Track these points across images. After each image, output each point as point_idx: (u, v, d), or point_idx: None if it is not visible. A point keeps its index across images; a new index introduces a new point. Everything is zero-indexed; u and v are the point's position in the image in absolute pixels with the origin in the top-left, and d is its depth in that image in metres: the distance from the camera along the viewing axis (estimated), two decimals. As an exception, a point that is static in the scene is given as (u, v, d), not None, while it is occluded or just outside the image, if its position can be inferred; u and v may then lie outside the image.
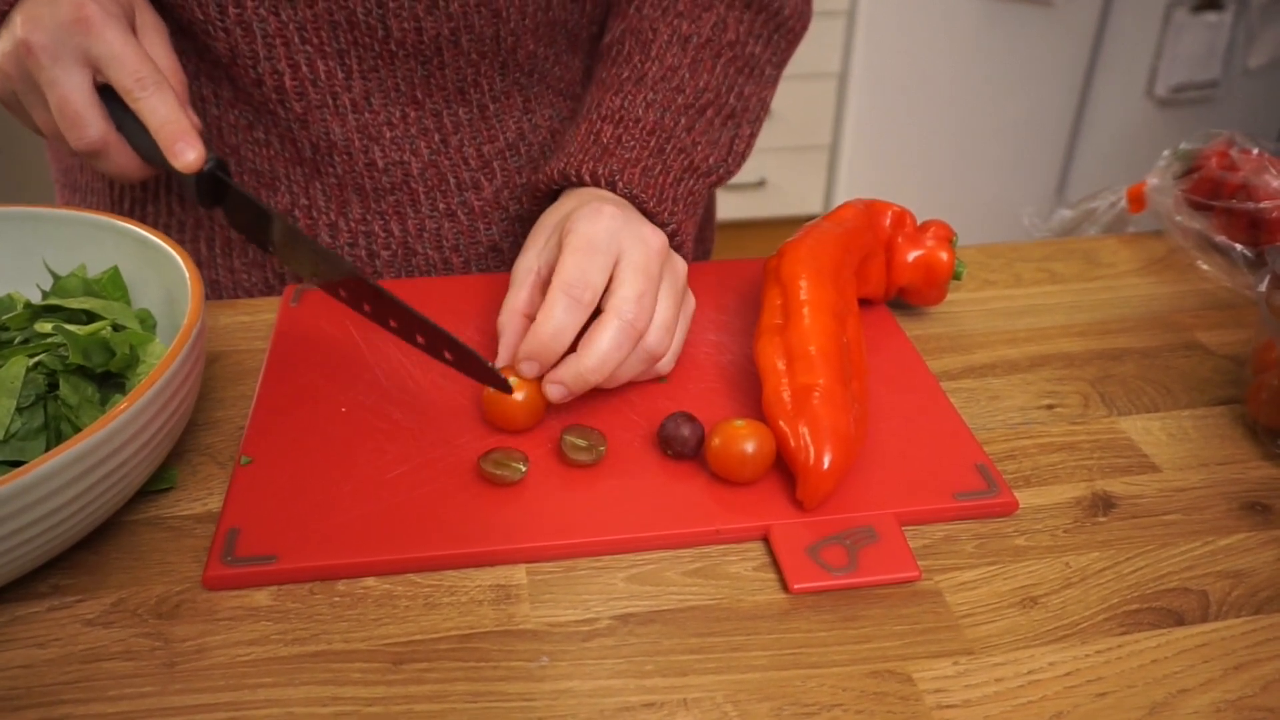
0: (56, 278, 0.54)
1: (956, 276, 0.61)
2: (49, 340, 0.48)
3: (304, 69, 0.60)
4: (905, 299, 0.63)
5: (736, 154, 0.64)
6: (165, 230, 0.67)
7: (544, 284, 0.54)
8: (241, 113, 0.63)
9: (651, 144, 0.58)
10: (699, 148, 0.61)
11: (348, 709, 0.39)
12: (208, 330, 0.60)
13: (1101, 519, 0.49)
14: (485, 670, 0.40)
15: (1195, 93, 2.29)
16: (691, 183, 0.60)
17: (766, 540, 0.47)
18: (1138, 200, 0.73)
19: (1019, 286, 0.68)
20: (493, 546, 0.45)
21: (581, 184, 0.57)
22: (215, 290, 0.68)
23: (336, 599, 0.43)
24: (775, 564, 0.45)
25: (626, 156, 0.57)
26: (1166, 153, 0.72)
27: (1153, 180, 0.72)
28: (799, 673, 0.41)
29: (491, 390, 0.50)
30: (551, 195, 0.60)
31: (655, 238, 0.53)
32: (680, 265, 0.55)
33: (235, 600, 0.43)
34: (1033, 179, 2.38)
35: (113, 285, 0.53)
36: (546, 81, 0.67)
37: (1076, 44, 2.21)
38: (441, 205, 0.67)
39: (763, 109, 0.66)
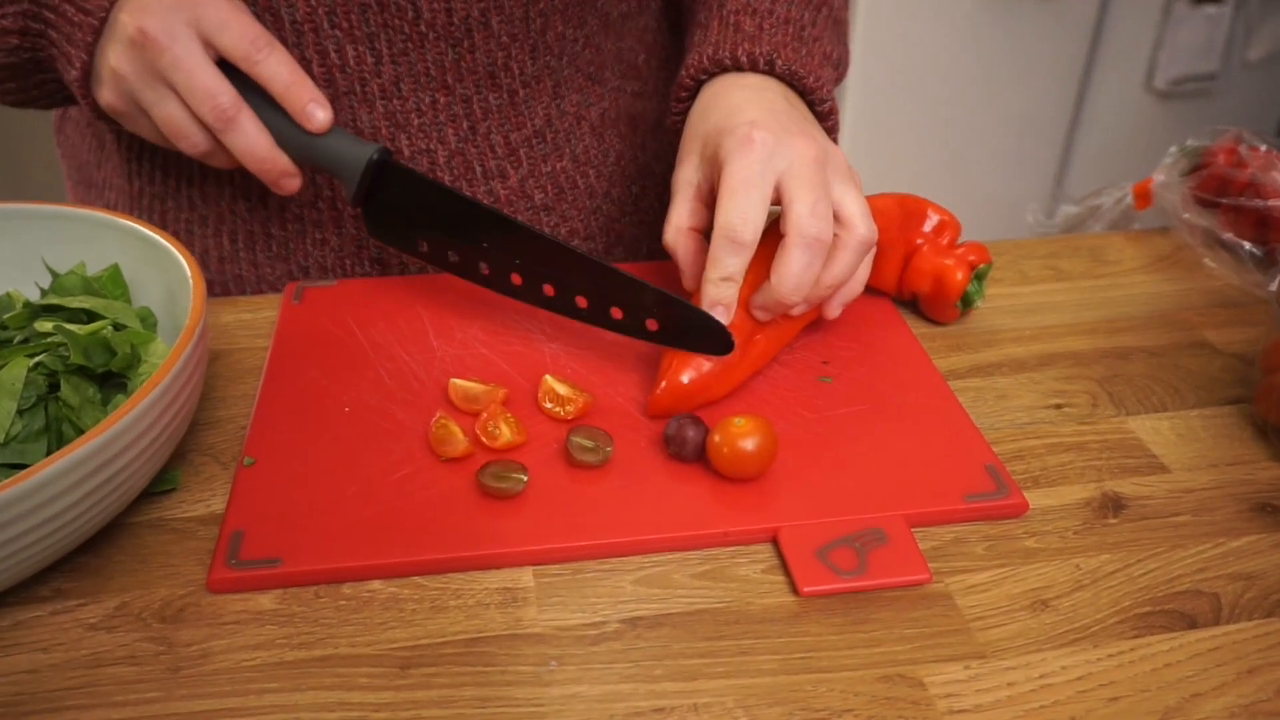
0: (55, 276, 0.53)
1: (968, 303, 0.61)
2: (49, 340, 0.48)
3: (332, 55, 0.59)
4: (921, 309, 0.63)
5: (845, 58, 0.66)
6: (187, 225, 0.67)
7: (702, 197, 0.55)
8: None
9: (790, 31, 0.59)
10: (825, 40, 0.62)
11: (354, 714, 0.38)
12: (209, 329, 0.59)
13: (1112, 520, 0.48)
14: (492, 675, 0.40)
15: (1195, 85, 2.29)
16: (829, 70, 0.61)
17: (775, 542, 0.46)
18: (1144, 196, 0.72)
19: (1025, 284, 0.67)
20: (499, 549, 0.45)
21: (737, 67, 0.57)
22: (239, 285, 0.68)
23: (342, 602, 0.43)
24: (784, 566, 0.45)
25: (775, 39, 0.58)
26: (1173, 149, 0.71)
27: (1159, 177, 0.71)
28: (809, 677, 0.40)
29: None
30: (693, 95, 0.60)
31: (809, 147, 0.52)
32: (839, 156, 0.55)
33: (240, 604, 0.43)
34: (1032, 173, 2.37)
35: (113, 283, 0.53)
36: (576, 65, 0.67)
37: (1075, 37, 2.21)
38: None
39: (844, 31, 0.68)
